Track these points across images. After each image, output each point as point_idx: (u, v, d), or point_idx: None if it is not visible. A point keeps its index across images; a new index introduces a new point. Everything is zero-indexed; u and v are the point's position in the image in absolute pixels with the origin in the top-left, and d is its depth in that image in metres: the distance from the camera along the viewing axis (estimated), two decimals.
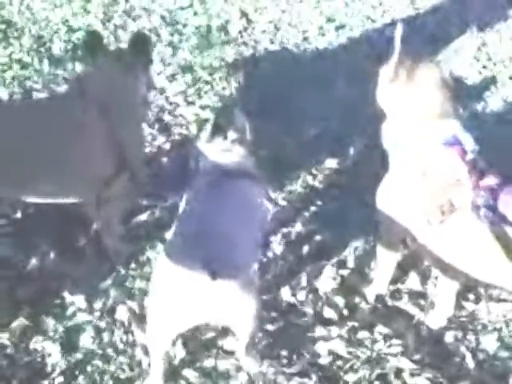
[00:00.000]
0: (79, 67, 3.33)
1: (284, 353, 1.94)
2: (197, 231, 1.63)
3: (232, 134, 1.93)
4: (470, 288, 2.13)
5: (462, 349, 1.99)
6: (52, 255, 2.20)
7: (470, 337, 2.04)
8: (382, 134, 1.94)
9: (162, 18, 3.95)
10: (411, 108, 1.85)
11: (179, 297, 1.54)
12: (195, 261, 1.47)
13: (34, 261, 2.17)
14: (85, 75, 2.29)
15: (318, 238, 2.39)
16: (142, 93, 2.24)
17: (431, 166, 1.76)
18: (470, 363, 1.95)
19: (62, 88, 3.12)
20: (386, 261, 2.08)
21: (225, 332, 1.94)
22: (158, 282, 1.63)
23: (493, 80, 3.59)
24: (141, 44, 2.22)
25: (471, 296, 2.16)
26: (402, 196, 1.85)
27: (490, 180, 1.68)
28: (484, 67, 3.72)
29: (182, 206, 1.85)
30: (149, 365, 1.85)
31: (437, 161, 1.75)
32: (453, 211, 1.71)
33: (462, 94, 3.23)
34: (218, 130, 1.94)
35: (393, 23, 4.13)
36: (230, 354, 1.93)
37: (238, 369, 1.89)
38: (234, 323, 1.68)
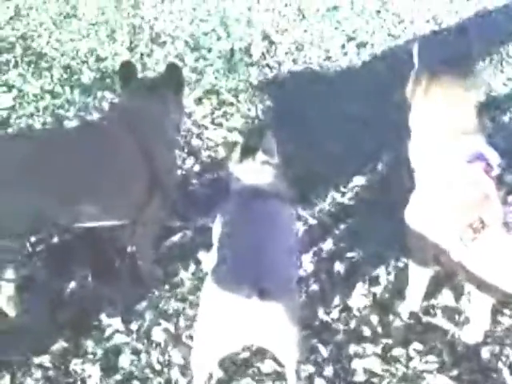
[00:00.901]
0: (109, 95, 3.43)
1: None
2: (239, 254, 1.66)
3: (261, 156, 1.96)
4: (505, 303, 2.11)
5: (499, 364, 1.97)
6: (89, 279, 2.25)
7: (507, 352, 2.02)
8: (409, 151, 1.96)
9: (187, 43, 4.05)
10: (435, 124, 1.86)
11: (227, 319, 1.57)
12: (242, 282, 1.49)
13: (71, 285, 2.22)
14: (120, 104, 2.38)
15: (348, 255, 2.40)
16: (175, 120, 2.31)
17: (457, 183, 1.77)
18: (508, 378, 1.93)
19: (93, 116, 3.21)
20: (417, 277, 2.08)
21: (261, 353, 1.96)
22: (206, 306, 1.65)
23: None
24: (173, 73, 2.31)
25: (507, 311, 2.14)
26: (431, 213, 1.85)
27: None
28: (509, 79, 3.72)
29: (217, 228, 1.87)
30: None
31: (462, 178, 1.76)
32: (484, 228, 1.70)
33: (487, 106, 3.27)
34: (248, 151, 1.98)
35: (414, 39, 4.17)
36: (267, 375, 1.94)
37: None
38: (279, 346, 1.68)
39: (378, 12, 4.57)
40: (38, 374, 1.93)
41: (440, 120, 1.85)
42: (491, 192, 1.70)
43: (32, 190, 1.87)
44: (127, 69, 2.33)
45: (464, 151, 1.77)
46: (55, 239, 2.41)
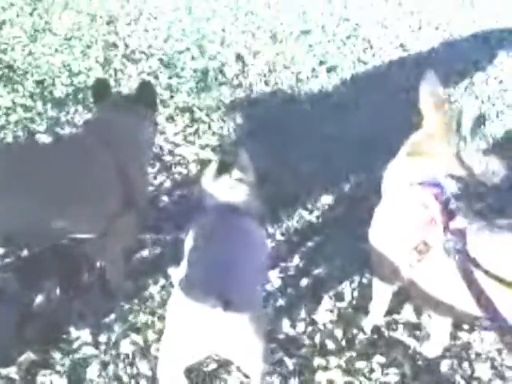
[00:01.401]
0: (81, 110, 3.45)
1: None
2: (207, 266, 1.70)
3: (236, 173, 2.01)
4: (463, 319, 2.19)
5: (457, 377, 2.05)
6: (57, 291, 2.26)
7: (465, 365, 2.10)
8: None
9: (161, 61, 4.10)
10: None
11: (191, 329, 1.60)
12: (208, 293, 1.52)
13: (40, 297, 2.22)
14: (94, 119, 2.42)
15: (315, 271, 2.46)
16: (147, 136, 2.35)
17: (409, 203, 1.84)
18: None
19: (65, 130, 3.23)
20: (381, 292, 2.14)
21: (228, 364, 2.00)
22: (172, 315, 1.68)
23: (480, 117, 3.72)
24: (147, 91, 2.37)
25: (465, 326, 2.23)
26: (388, 231, 1.92)
27: (460, 223, 1.74)
28: (471, 105, 3.87)
29: (188, 241, 1.91)
30: None
31: (413, 199, 1.83)
32: (428, 250, 1.77)
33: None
34: (224, 168, 2.02)
35: (382, 65, 4.31)
36: None
37: None
38: (243, 357, 1.71)
39: (349, 37, 4.71)
40: None
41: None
42: (437, 216, 1.76)
43: (3, 201, 1.89)
44: (101, 85, 2.37)
45: (419, 173, 1.85)
46: (24, 252, 2.41)
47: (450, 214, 1.76)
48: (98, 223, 2.12)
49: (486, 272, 1.63)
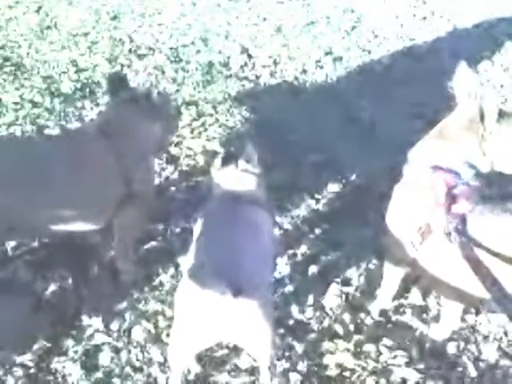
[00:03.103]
0: (88, 105, 3.49)
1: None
2: (216, 254, 1.73)
3: (243, 164, 2.04)
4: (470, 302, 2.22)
5: (464, 359, 2.08)
6: (70, 281, 2.30)
7: (472, 347, 2.13)
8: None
9: (166, 56, 4.13)
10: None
11: (201, 316, 1.62)
12: (217, 280, 1.55)
13: (53, 286, 2.27)
14: (106, 112, 2.46)
15: (322, 258, 2.49)
16: (158, 133, 2.39)
17: (420, 186, 1.86)
18: (472, 372, 2.03)
19: (73, 125, 3.27)
20: (391, 276, 2.17)
21: (238, 350, 2.03)
22: (182, 302, 1.71)
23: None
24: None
25: (472, 309, 2.25)
26: (400, 213, 1.95)
27: (462, 206, 1.76)
28: None
29: (197, 230, 1.95)
30: (166, 381, 1.94)
31: (424, 182, 1.85)
32: (430, 233, 1.80)
33: None
34: (230, 158, 2.07)
35: (388, 54, 4.32)
36: (244, 371, 2.01)
37: None
38: (251, 343, 1.74)
39: (353, 28, 4.72)
40: (19, 372, 1.98)
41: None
42: (441, 200, 1.78)
43: (8, 194, 1.93)
44: (118, 78, 2.40)
45: (434, 157, 1.87)
46: (36, 243, 2.45)
47: (453, 198, 1.78)
48: (100, 215, 2.16)
49: (488, 250, 1.65)
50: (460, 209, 1.76)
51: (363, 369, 2.01)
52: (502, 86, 3.95)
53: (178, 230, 2.59)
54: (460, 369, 2.04)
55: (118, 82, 2.39)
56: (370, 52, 4.33)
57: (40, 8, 4.78)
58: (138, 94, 2.40)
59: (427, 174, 1.85)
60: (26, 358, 2.02)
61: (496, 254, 1.64)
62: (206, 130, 3.33)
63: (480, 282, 1.68)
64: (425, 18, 5.01)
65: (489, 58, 4.32)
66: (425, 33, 4.69)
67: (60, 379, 1.98)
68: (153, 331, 2.14)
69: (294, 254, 2.50)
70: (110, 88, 2.40)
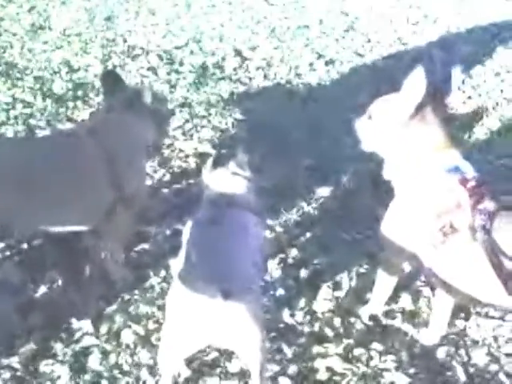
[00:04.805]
0: (80, 105, 3.48)
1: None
2: (205, 257, 1.72)
3: (233, 166, 2.04)
4: (460, 306, 2.22)
5: (454, 363, 2.08)
6: (59, 283, 2.28)
7: (461, 352, 2.12)
8: (384, 167, 2.04)
9: (160, 57, 4.13)
10: (419, 143, 1.95)
11: (192, 319, 1.62)
12: (207, 283, 1.55)
13: (42, 288, 2.25)
14: (96, 113, 2.44)
15: (314, 262, 2.48)
16: (150, 134, 2.38)
17: (434, 191, 1.86)
18: (462, 377, 2.03)
19: (65, 125, 3.26)
20: (385, 284, 2.16)
21: (228, 353, 2.03)
22: (172, 306, 1.70)
23: (478, 110, 3.75)
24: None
25: (461, 313, 2.25)
26: (408, 222, 1.93)
27: (488, 204, 1.76)
28: (469, 98, 3.89)
29: (186, 233, 1.94)
30: None
31: (440, 186, 1.85)
32: (453, 232, 1.79)
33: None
34: (221, 160, 2.06)
35: (380, 58, 4.34)
36: (234, 375, 2.01)
37: None
38: (241, 346, 1.73)
39: (347, 31, 4.74)
40: (6, 374, 1.96)
41: (423, 138, 1.95)
42: (463, 201, 1.78)
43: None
44: (112, 77, 2.38)
45: (443, 163, 1.87)
46: (26, 245, 2.44)
47: (479, 197, 1.78)
48: (90, 216, 2.15)
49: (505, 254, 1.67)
50: (486, 205, 1.76)
51: (353, 373, 2.00)
52: (493, 90, 3.97)
53: (168, 232, 2.58)
54: (450, 373, 2.04)
55: (112, 81, 2.38)
56: (363, 56, 4.34)
57: (33, 8, 4.77)
58: (130, 95, 2.38)
59: (440, 178, 1.85)
60: (14, 361, 2.00)
61: None
62: (198, 132, 3.33)
63: (501, 282, 1.68)
64: (417, 22, 5.03)
65: (481, 62, 4.34)
66: (418, 37, 4.71)
67: (48, 382, 1.96)
68: (142, 334, 2.13)
69: (285, 258, 2.49)
70: (104, 86, 2.38)
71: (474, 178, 1.83)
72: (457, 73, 1.95)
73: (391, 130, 1.99)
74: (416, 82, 1.90)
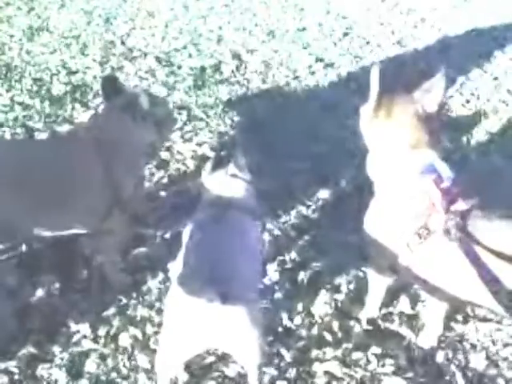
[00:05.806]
0: (79, 108, 3.47)
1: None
2: (204, 260, 1.72)
3: (232, 168, 2.04)
4: (458, 309, 2.22)
5: (452, 367, 2.08)
6: (57, 286, 2.28)
7: (460, 356, 2.13)
8: (367, 164, 2.06)
9: (158, 59, 4.12)
10: (391, 141, 1.96)
11: (189, 323, 1.61)
12: (206, 287, 1.54)
13: (39, 291, 2.24)
14: (95, 116, 2.43)
15: (312, 265, 2.48)
16: (148, 139, 2.37)
17: (409, 193, 1.87)
18: (460, 381, 2.03)
19: (63, 128, 3.25)
20: (376, 285, 2.17)
21: (226, 357, 2.02)
22: (170, 310, 1.70)
23: (476, 113, 3.75)
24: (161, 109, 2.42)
25: (459, 317, 2.25)
26: (386, 221, 1.94)
27: (461, 205, 1.78)
28: (467, 101, 3.89)
29: (186, 235, 1.94)
30: None
31: (414, 188, 1.86)
32: (429, 234, 1.80)
33: (446, 126, 3.42)
34: (220, 163, 2.06)
35: (380, 61, 4.33)
36: (232, 379, 2.00)
37: None
38: (239, 350, 1.73)
39: (346, 34, 4.74)
40: (4, 378, 1.95)
41: (398, 136, 1.95)
42: (437, 202, 1.80)
43: None
44: (112, 82, 2.37)
45: (418, 163, 1.88)
46: (23, 248, 2.43)
47: (451, 199, 1.79)
48: (88, 219, 2.14)
49: (487, 248, 1.67)
50: (459, 207, 1.77)
51: (351, 377, 2.00)
52: (491, 95, 3.98)
53: (167, 235, 2.57)
54: (448, 377, 2.04)
55: (112, 86, 2.37)
56: (361, 59, 4.34)
57: (31, 10, 4.76)
58: (130, 99, 2.37)
59: (416, 180, 1.86)
60: (11, 364, 1.99)
61: (494, 252, 1.65)
62: (196, 134, 3.33)
63: (479, 276, 1.68)
64: (416, 25, 5.04)
65: (479, 66, 4.34)
66: (416, 40, 4.71)
67: None
68: (140, 338, 2.12)
69: (284, 261, 2.49)
70: (103, 91, 2.38)
71: (448, 178, 1.84)
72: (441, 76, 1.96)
73: (364, 126, 2.04)
74: (372, 80, 1.96)
